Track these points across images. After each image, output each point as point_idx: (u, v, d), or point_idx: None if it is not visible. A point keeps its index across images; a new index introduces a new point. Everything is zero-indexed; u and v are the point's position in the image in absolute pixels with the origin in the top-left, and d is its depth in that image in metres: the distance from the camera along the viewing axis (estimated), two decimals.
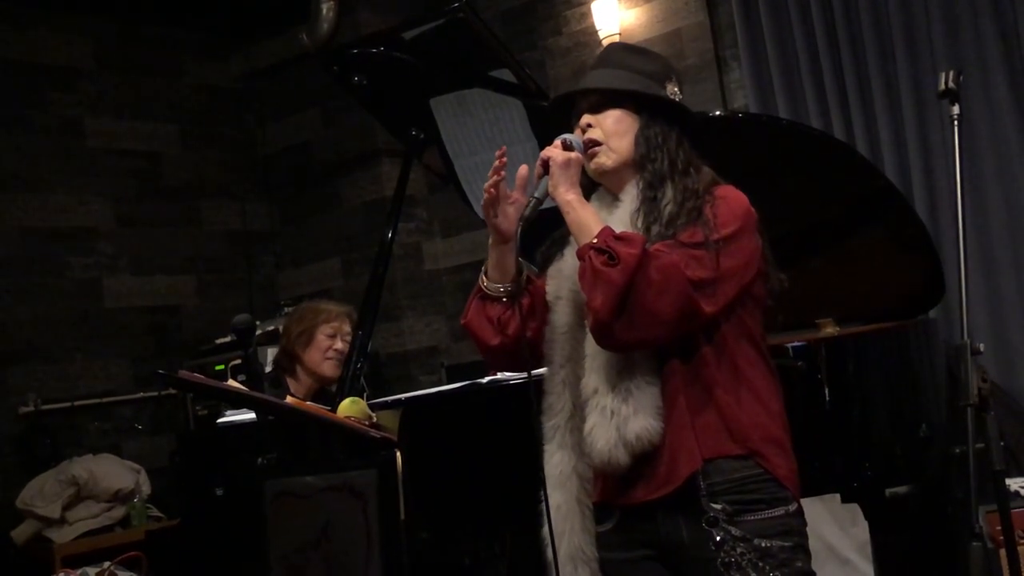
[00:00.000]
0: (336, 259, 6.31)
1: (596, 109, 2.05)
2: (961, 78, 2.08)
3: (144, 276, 5.98)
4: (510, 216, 2.06)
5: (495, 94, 2.96)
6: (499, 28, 5.45)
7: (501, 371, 2.62)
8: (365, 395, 2.95)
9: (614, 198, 2.05)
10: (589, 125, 2.05)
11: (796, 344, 2.68)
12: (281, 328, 3.77)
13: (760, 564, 1.86)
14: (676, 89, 2.08)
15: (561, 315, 2.06)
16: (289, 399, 3.00)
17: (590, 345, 1.95)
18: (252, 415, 3.23)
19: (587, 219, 1.93)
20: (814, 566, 1.96)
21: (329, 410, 2.62)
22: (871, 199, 2.90)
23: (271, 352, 4.02)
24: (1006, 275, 4.22)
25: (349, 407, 2.52)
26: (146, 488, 5.22)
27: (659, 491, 1.91)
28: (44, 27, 5.75)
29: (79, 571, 3.65)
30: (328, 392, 3.59)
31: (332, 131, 6.30)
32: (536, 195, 1.98)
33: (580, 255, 1.90)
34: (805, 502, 2.00)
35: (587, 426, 1.92)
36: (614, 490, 1.98)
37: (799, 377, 2.62)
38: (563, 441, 2.03)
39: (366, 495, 2.26)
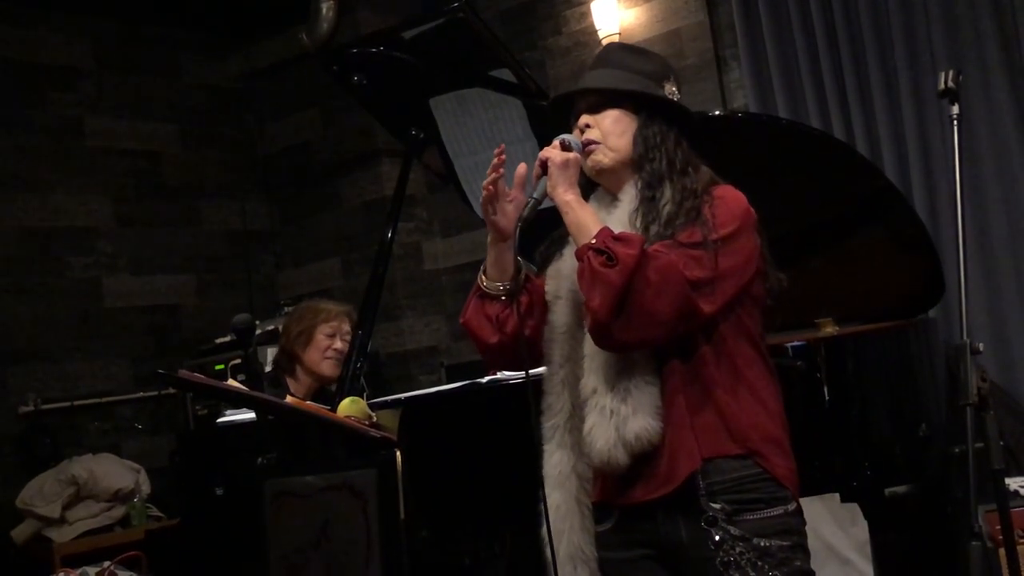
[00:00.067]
0: (336, 259, 6.31)
1: (594, 109, 2.06)
2: (961, 78, 2.08)
3: (144, 276, 5.98)
4: (509, 214, 2.06)
5: (495, 94, 2.96)
6: (499, 28, 5.45)
7: (500, 370, 2.62)
8: (365, 395, 2.95)
9: (613, 198, 2.06)
10: (588, 125, 2.05)
11: (796, 344, 2.69)
12: (280, 328, 3.76)
13: (759, 563, 1.86)
14: (674, 89, 2.08)
15: (560, 315, 2.06)
16: (289, 399, 3.00)
17: (589, 345, 1.95)
18: (252, 415, 3.23)
19: (586, 219, 1.93)
20: (813, 565, 1.96)
21: (329, 410, 2.62)
22: (871, 199, 2.90)
23: (271, 352, 4.02)
24: (1006, 275, 4.22)
25: (349, 407, 2.52)
26: (146, 488, 5.22)
27: (658, 491, 1.91)
28: (44, 27, 5.75)
29: (79, 571, 3.65)
30: (328, 392, 3.59)
31: (332, 131, 6.30)
32: (535, 196, 1.98)
33: (579, 255, 1.90)
34: (804, 501, 2.00)
35: (586, 426, 1.93)
36: (613, 490, 1.98)
37: (798, 377, 2.62)
38: (562, 441, 2.03)
39: (366, 495, 2.26)
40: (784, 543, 1.89)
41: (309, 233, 6.43)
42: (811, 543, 1.98)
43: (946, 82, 2.06)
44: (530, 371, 1.98)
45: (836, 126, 4.54)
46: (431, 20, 2.83)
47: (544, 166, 1.98)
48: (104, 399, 5.65)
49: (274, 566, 2.43)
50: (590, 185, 2.09)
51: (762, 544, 1.87)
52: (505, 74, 2.87)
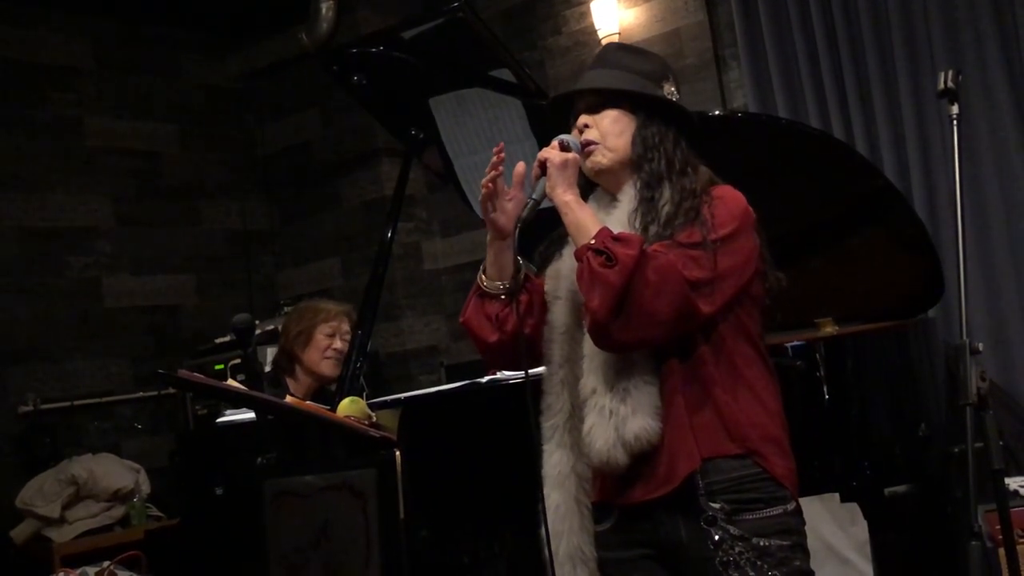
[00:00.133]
0: (336, 259, 6.31)
1: (593, 109, 2.06)
2: (960, 77, 2.08)
3: (144, 276, 5.98)
4: (508, 212, 2.06)
5: (494, 93, 2.96)
6: (498, 27, 5.45)
7: (500, 370, 2.62)
8: (364, 394, 2.95)
9: (612, 198, 2.06)
10: (586, 125, 2.05)
11: (795, 343, 2.69)
12: (280, 328, 3.76)
13: (758, 563, 1.86)
14: (673, 89, 2.08)
15: (559, 315, 2.06)
16: (288, 399, 3.00)
17: (588, 345, 1.95)
18: (252, 415, 3.23)
19: (585, 220, 1.93)
20: (813, 565, 1.96)
21: (329, 409, 2.62)
22: (870, 198, 2.90)
23: (271, 352, 4.02)
24: (1005, 274, 4.22)
25: (349, 407, 2.52)
26: (146, 488, 5.22)
27: (658, 491, 1.91)
28: (44, 27, 5.75)
29: (78, 570, 3.65)
30: (327, 391, 3.59)
31: (332, 131, 6.30)
32: (534, 196, 1.98)
33: (578, 256, 1.90)
34: (804, 501, 2.00)
35: (586, 426, 1.93)
36: (613, 490, 1.98)
37: (798, 376, 2.62)
38: (562, 441, 2.03)
39: (366, 494, 2.26)
40: (783, 543, 1.89)
41: (309, 233, 6.43)
42: (810, 543, 1.98)
43: (946, 82, 2.06)
44: (529, 371, 1.98)
45: (836, 126, 4.54)
46: (431, 20, 2.83)
47: (543, 166, 1.98)
48: (104, 399, 5.65)
49: (274, 566, 2.43)
50: (589, 185, 2.09)
51: (761, 544, 1.87)
52: (505, 74, 2.87)
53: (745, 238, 1.95)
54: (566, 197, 1.95)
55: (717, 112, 4.24)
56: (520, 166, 2.08)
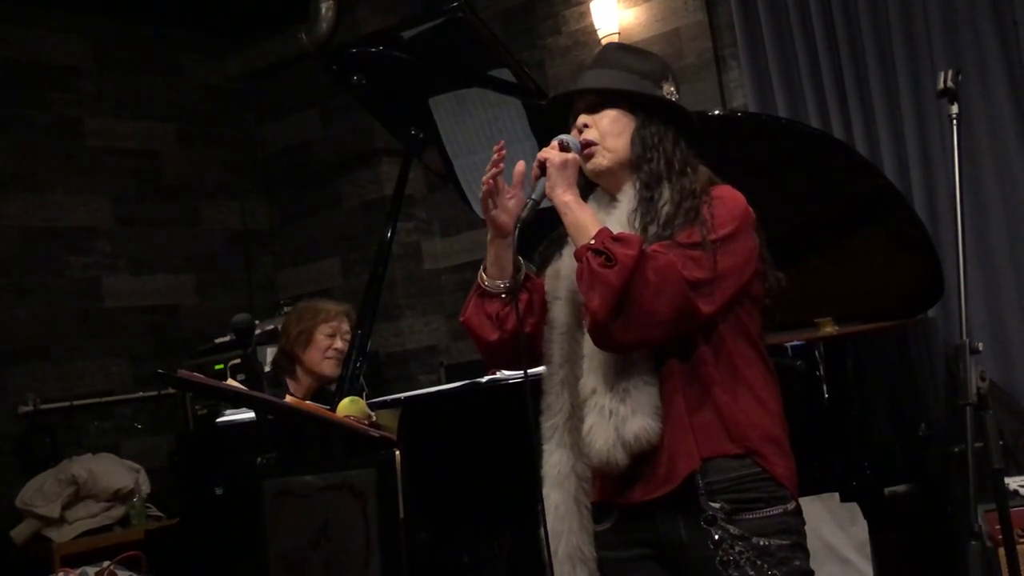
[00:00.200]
0: (335, 259, 6.31)
1: (592, 109, 2.06)
2: (960, 77, 2.08)
3: (143, 276, 5.98)
4: (509, 209, 2.05)
5: (494, 93, 2.96)
6: (498, 27, 5.45)
7: (500, 369, 2.62)
8: (364, 394, 2.95)
9: (611, 198, 2.06)
10: (586, 125, 2.05)
11: (795, 343, 2.68)
12: (279, 328, 3.76)
13: (758, 562, 1.86)
14: (672, 89, 2.08)
15: (559, 315, 2.06)
16: (288, 398, 3.00)
17: (588, 345, 1.95)
18: (251, 414, 3.23)
19: (585, 220, 1.93)
20: (813, 565, 1.96)
21: (328, 409, 2.62)
22: (870, 198, 2.90)
23: (270, 352, 4.02)
24: (1005, 274, 4.22)
25: (348, 406, 2.52)
26: (145, 487, 5.23)
27: (658, 491, 1.91)
28: (43, 26, 5.75)
29: (78, 570, 3.65)
30: (327, 391, 3.59)
31: (331, 131, 6.30)
32: (533, 196, 1.98)
33: (578, 256, 1.90)
34: (804, 501, 2.00)
35: (586, 426, 1.93)
36: (613, 490, 1.98)
37: (798, 376, 2.62)
38: (562, 441, 2.03)
39: (365, 494, 2.26)
40: (783, 542, 1.89)
41: (309, 233, 6.43)
42: (810, 543, 1.98)
43: (945, 82, 2.06)
44: (529, 371, 1.98)
45: (835, 125, 4.54)
46: (430, 20, 2.83)
47: (543, 167, 1.98)
48: (104, 399, 5.65)
49: (273, 566, 2.43)
50: (589, 185, 2.09)
51: (761, 543, 1.87)
52: (504, 74, 2.87)
53: (745, 238, 1.95)
54: (566, 197, 1.95)
55: (717, 112, 4.24)
56: (520, 165, 2.08)
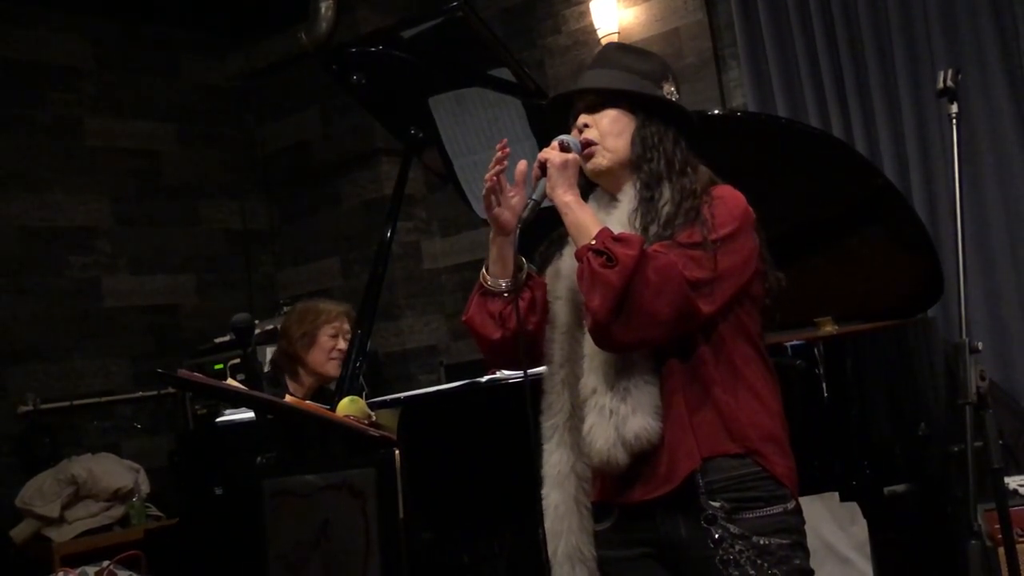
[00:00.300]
0: (335, 258, 6.31)
1: (592, 109, 2.06)
2: (959, 76, 2.08)
3: (143, 275, 5.98)
4: (512, 207, 2.05)
5: (494, 93, 2.96)
6: (498, 27, 5.46)
7: (502, 368, 2.61)
8: (364, 394, 2.95)
9: (611, 198, 2.06)
10: (586, 125, 2.05)
11: (795, 343, 2.68)
12: (279, 329, 3.76)
13: (758, 561, 1.86)
14: (673, 89, 2.08)
15: (560, 315, 2.06)
16: (288, 398, 3.00)
17: (588, 345, 1.95)
18: (251, 414, 3.23)
19: (585, 220, 1.93)
20: (813, 564, 1.96)
21: (328, 409, 2.62)
22: (870, 198, 2.90)
23: (270, 351, 4.02)
24: (1005, 273, 4.22)
25: (348, 406, 2.52)
26: (145, 487, 5.23)
27: (658, 490, 1.91)
28: (44, 26, 5.76)
29: (78, 570, 3.65)
30: (327, 391, 3.59)
31: (331, 130, 6.30)
32: (534, 197, 1.98)
33: (578, 256, 1.90)
34: (804, 500, 2.00)
35: (586, 425, 1.93)
36: (613, 489, 1.98)
37: (798, 376, 2.62)
38: (562, 440, 2.03)
39: (365, 494, 2.26)
40: (783, 541, 1.89)
41: (308, 232, 6.43)
42: (810, 542, 1.98)
43: (945, 81, 2.07)
44: (530, 370, 1.98)
45: (835, 125, 4.54)
46: (430, 19, 2.83)
47: (543, 167, 1.98)
48: (103, 399, 5.66)
49: (273, 565, 2.43)
50: (589, 185, 2.09)
51: (761, 542, 1.87)
52: (504, 73, 2.86)
53: (745, 238, 1.95)
54: (566, 198, 1.95)
55: (716, 111, 4.24)
56: (522, 164, 2.08)
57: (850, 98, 4.53)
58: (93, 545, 4.82)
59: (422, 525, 2.54)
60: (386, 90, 3.17)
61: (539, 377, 2.07)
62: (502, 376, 2.82)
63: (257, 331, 4.59)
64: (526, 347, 2.01)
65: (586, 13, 5.36)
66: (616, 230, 1.89)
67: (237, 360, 4.84)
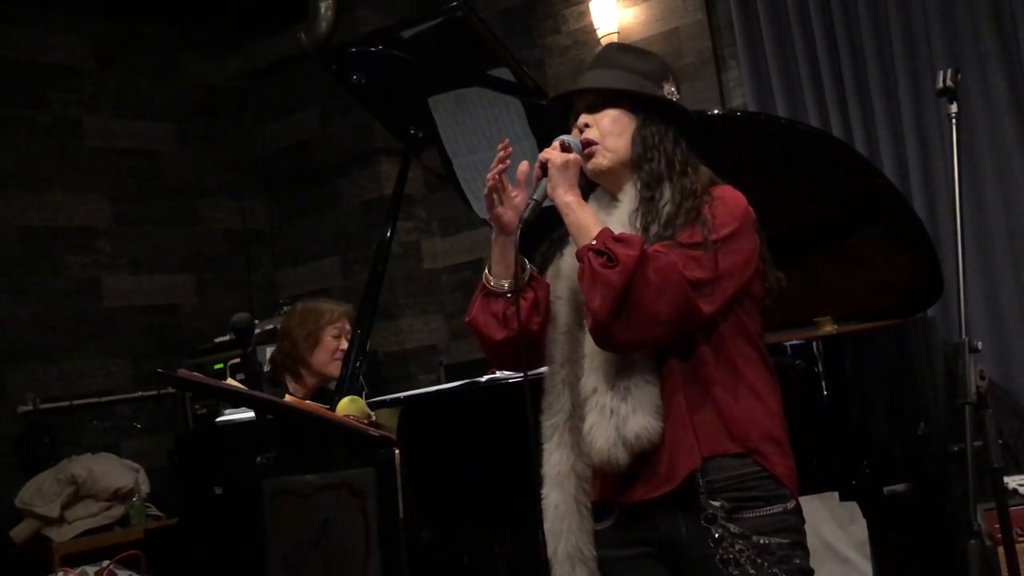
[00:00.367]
0: (335, 258, 6.31)
1: (593, 109, 2.06)
2: (959, 76, 2.08)
3: (143, 275, 5.98)
4: (516, 206, 2.06)
5: (494, 92, 2.96)
6: (498, 27, 5.46)
7: (505, 369, 2.61)
8: (364, 394, 2.95)
9: (612, 198, 2.06)
10: (587, 125, 2.05)
11: (794, 342, 2.68)
12: (280, 329, 3.75)
13: (759, 561, 1.86)
14: (673, 89, 2.08)
15: (561, 315, 2.06)
16: (288, 398, 3.00)
17: (589, 345, 1.95)
18: (251, 414, 3.23)
19: (586, 220, 1.93)
20: (813, 564, 1.96)
21: (328, 409, 2.62)
22: (869, 197, 2.90)
23: (270, 351, 4.02)
24: (1004, 273, 4.22)
25: (348, 406, 2.52)
26: (145, 487, 5.23)
27: (659, 490, 1.91)
28: (43, 26, 5.75)
29: (78, 570, 3.65)
30: (327, 391, 3.59)
31: (331, 130, 6.30)
32: (535, 197, 1.98)
33: (579, 256, 1.90)
34: (804, 500, 2.00)
35: (586, 425, 1.93)
36: (613, 489, 1.98)
37: (797, 375, 2.62)
38: (562, 440, 2.03)
39: (365, 494, 2.26)
40: (783, 541, 1.89)
41: (308, 232, 6.43)
42: (810, 541, 1.98)
43: (944, 81, 2.07)
44: (532, 370, 1.98)
45: (835, 125, 4.54)
46: (430, 19, 2.83)
47: (544, 167, 1.98)
48: (103, 398, 5.65)
49: (273, 565, 2.43)
50: (590, 185, 2.09)
51: (761, 542, 1.87)
52: (504, 73, 2.86)
53: (746, 238, 1.95)
54: (567, 198, 1.96)
55: (716, 111, 4.24)
56: (524, 164, 2.08)
57: (850, 98, 4.54)
58: (93, 545, 4.82)
59: (422, 525, 2.54)
60: (386, 90, 3.17)
61: (539, 377, 2.07)
62: (502, 376, 2.82)
63: (257, 331, 4.58)
64: (530, 347, 2.02)
65: (586, 13, 5.36)
66: (617, 230, 1.90)
67: (237, 360, 4.86)
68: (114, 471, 5.14)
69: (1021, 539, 2.91)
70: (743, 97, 4.87)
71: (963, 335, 1.91)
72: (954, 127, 2.05)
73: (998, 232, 4.22)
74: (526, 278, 2.07)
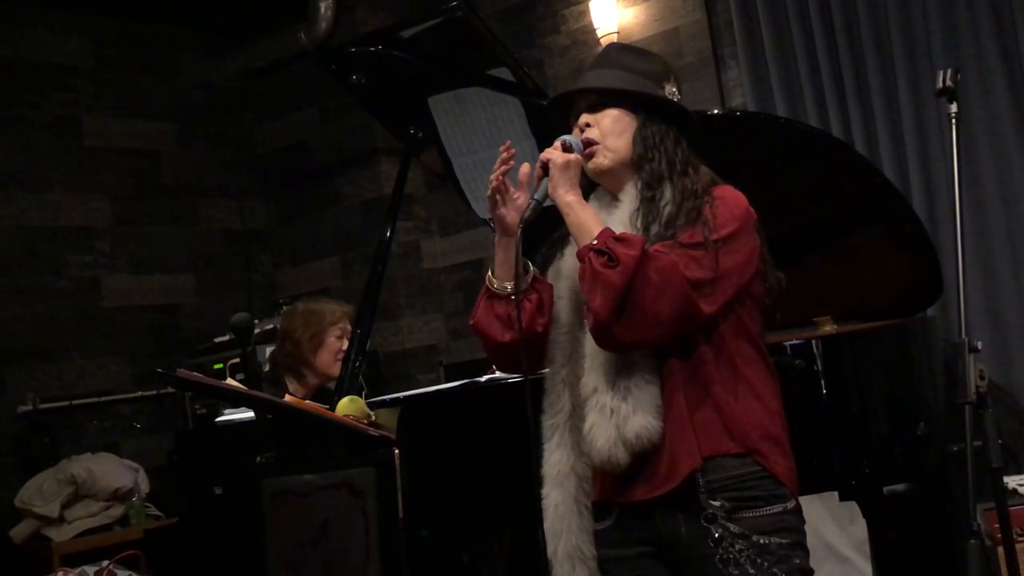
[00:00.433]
0: (335, 258, 6.31)
1: (594, 109, 2.06)
2: (959, 76, 2.08)
3: (143, 275, 5.98)
4: (519, 207, 2.06)
5: (493, 92, 2.96)
6: (497, 26, 5.46)
7: (509, 371, 2.60)
8: (363, 393, 2.95)
9: (613, 198, 2.06)
10: (588, 124, 2.05)
11: (794, 342, 2.69)
12: (281, 329, 3.75)
13: (758, 560, 1.86)
14: (674, 89, 2.08)
15: (562, 315, 2.06)
16: (288, 398, 3.00)
17: (589, 344, 1.95)
18: (250, 414, 3.23)
19: (587, 220, 1.93)
20: (812, 564, 1.97)
21: (327, 408, 2.62)
22: (869, 197, 2.90)
23: (269, 351, 4.02)
24: (1004, 272, 4.22)
25: (348, 406, 2.52)
26: (145, 487, 5.23)
27: (659, 489, 1.91)
28: (43, 25, 5.75)
29: (78, 570, 3.65)
30: (326, 391, 3.59)
31: (330, 130, 6.30)
32: (536, 197, 1.99)
33: (580, 256, 1.90)
34: (803, 500, 2.00)
35: (586, 425, 1.93)
36: (613, 488, 1.98)
37: (797, 375, 2.62)
38: (562, 440, 2.03)
39: (365, 493, 2.26)
40: (783, 540, 1.89)
41: (308, 232, 6.43)
42: (810, 541, 1.98)
43: (944, 81, 2.07)
44: (538, 371, 1.97)
45: (834, 125, 4.54)
46: (430, 19, 2.82)
47: (545, 167, 1.98)
48: (103, 398, 5.65)
49: (273, 565, 2.43)
50: (591, 185, 2.09)
51: (761, 541, 1.88)
52: (503, 73, 2.86)
53: (746, 238, 1.95)
54: (568, 198, 1.96)
55: (716, 111, 4.24)
56: (525, 167, 2.08)
57: (849, 98, 4.54)
58: (93, 545, 4.82)
59: (422, 525, 2.54)
60: (386, 90, 3.17)
61: (539, 376, 2.07)
62: (501, 376, 2.82)
63: (257, 331, 4.58)
64: (535, 349, 2.02)
65: (585, 13, 5.36)
66: (617, 230, 1.90)
67: (237, 360, 4.85)
68: (114, 471, 5.14)
69: (1021, 539, 2.91)
70: (743, 97, 4.87)
71: (963, 335, 1.91)
72: (954, 127, 2.05)
73: (998, 232, 4.22)
74: (529, 280, 2.07)
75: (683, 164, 2.01)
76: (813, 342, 2.70)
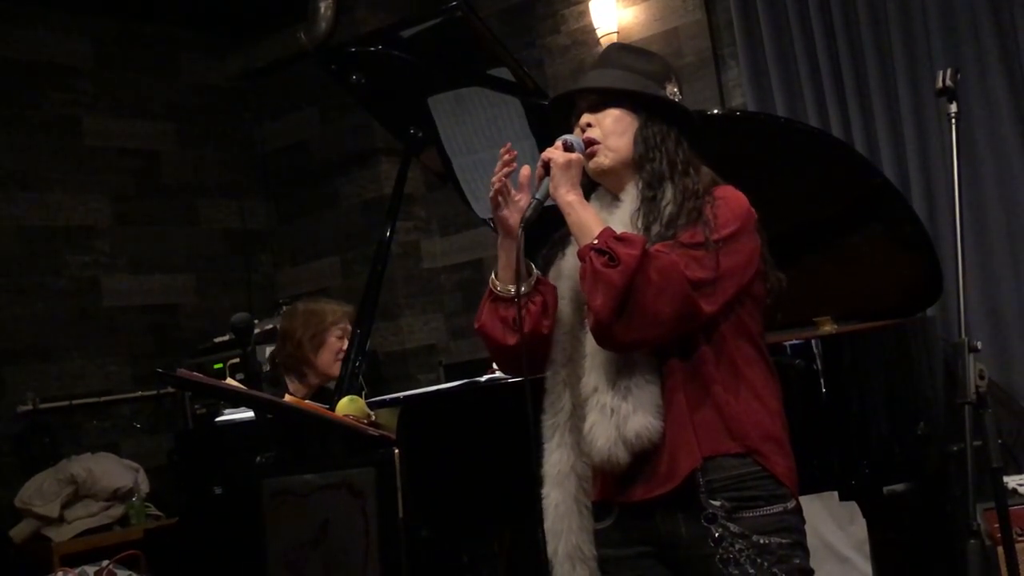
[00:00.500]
0: (335, 258, 6.31)
1: (595, 108, 2.06)
2: (959, 76, 2.08)
3: (142, 275, 5.98)
4: (520, 208, 2.06)
5: (493, 92, 2.96)
6: (497, 26, 5.45)
7: (516, 374, 2.59)
8: (363, 393, 2.95)
9: (614, 198, 2.06)
10: (589, 124, 2.05)
11: (794, 342, 2.69)
12: (281, 329, 3.75)
13: (758, 560, 1.86)
14: (676, 89, 2.09)
15: (563, 315, 2.06)
16: (288, 398, 3.00)
17: (590, 344, 1.95)
18: (250, 414, 3.24)
19: (588, 220, 1.93)
20: (812, 564, 1.97)
21: (327, 408, 2.62)
22: (869, 197, 2.90)
23: (269, 351, 4.02)
24: (1004, 272, 4.22)
25: (347, 406, 2.52)
26: (144, 487, 5.23)
27: (659, 489, 1.91)
28: (43, 25, 5.75)
29: (78, 570, 3.66)
30: (326, 390, 3.59)
31: (330, 130, 6.30)
32: (537, 196, 1.99)
33: (581, 256, 1.90)
34: (803, 500, 2.00)
35: (587, 424, 1.93)
36: (613, 488, 1.98)
37: (797, 375, 2.62)
38: (562, 439, 2.03)
39: (365, 493, 2.27)
40: (783, 540, 1.90)
41: (308, 232, 6.43)
42: (810, 541, 1.98)
43: (944, 80, 2.07)
44: (543, 373, 1.97)
45: (834, 124, 4.54)
46: (429, 19, 2.83)
47: (547, 167, 1.98)
48: (103, 398, 5.65)
49: (273, 565, 2.44)
50: (591, 185, 2.09)
51: (761, 541, 1.88)
52: (503, 73, 2.86)
53: (747, 238, 1.95)
54: (569, 197, 1.96)
55: (716, 111, 4.24)
56: (526, 169, 2.08)
57: (849, 97, 4.54)
58: (92, 545, 4.82)
59: (421, 524, 2.54)
60: (385, 90, 3.17)
61: (540, 377, 2.07)
62: (501, 376, 2.82)
63: (256, 331, 4.58)
64: (541, 351, 2.02)
65: (585, 13, 5.36)
66: (618, 230, 1.90)
67: (237, 360, 4.86)
68: (113, 471, 5.14)
69: (1021, 539, 2.92)
70: (742, 97, 4.87)
71: (963, 335, 1.91)
72: (954, 127, 2.05)
73: (998, 232, 4.22)
74: (533, 282, 2.07)
75: (684, 164, 2.01)
76: (813, 342, 2.70)
